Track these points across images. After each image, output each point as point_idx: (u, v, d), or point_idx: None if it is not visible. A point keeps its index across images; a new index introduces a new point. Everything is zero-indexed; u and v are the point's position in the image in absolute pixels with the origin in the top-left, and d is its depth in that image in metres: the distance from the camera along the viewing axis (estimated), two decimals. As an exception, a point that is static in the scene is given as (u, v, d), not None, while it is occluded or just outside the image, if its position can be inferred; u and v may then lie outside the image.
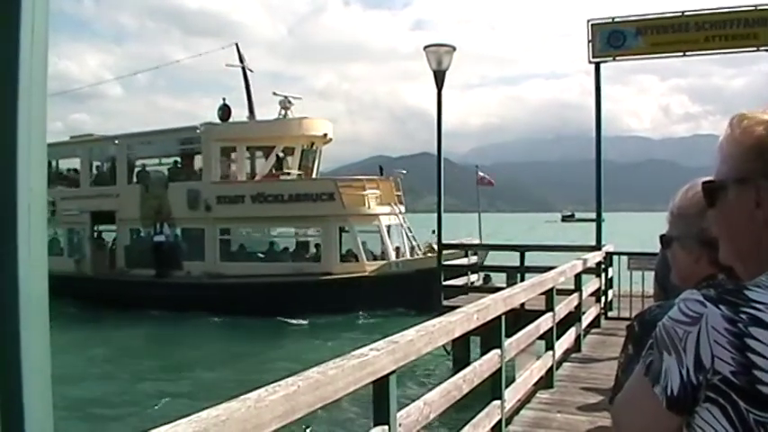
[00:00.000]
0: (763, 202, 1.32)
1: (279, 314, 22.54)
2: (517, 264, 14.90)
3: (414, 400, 4.35)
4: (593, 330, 12.04)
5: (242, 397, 2.52)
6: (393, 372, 3.72)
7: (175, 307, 22.90)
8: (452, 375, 5.17)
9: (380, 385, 3.67)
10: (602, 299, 13.03)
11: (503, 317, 6.09)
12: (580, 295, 10.71)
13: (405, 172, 29.53)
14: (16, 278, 1.27)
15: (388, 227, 25.69)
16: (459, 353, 13.20)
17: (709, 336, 1.22)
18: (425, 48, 14.80)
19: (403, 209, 26.59)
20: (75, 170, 31.59)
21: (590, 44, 14.44)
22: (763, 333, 1.19)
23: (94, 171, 31.32)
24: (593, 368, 9.43)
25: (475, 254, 18.92)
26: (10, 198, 1.26)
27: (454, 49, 14.84)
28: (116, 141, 29.43)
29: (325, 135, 28.57)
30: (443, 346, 4.67)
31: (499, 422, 6.11)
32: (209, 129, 27.08)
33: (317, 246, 26.11)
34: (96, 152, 31.11)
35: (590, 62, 14.63)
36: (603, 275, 13.15)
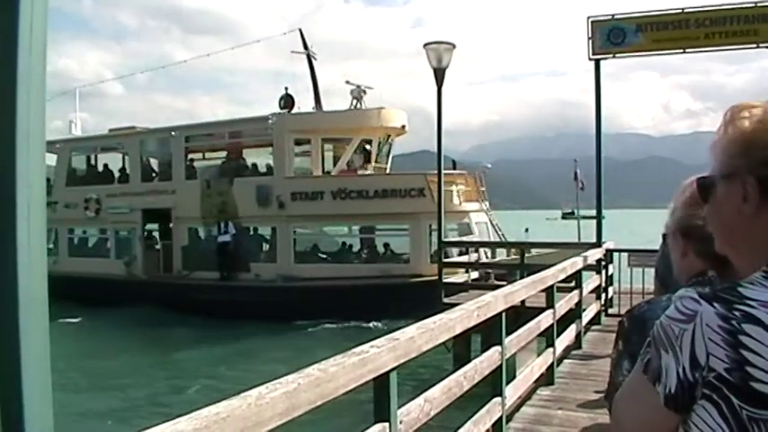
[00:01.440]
0: (749, 196, 1.33)
1: (364, 319, 20.12)
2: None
3: (414, 397, 4.35)
4: (594, 327, 12.04)
5: (242, 394, 2.52)
6: (394, 369, 3.72)
7: (244, 313, 21.04)
8: (453, 372, 5.17)
9: (381, 382, 3.67)
10: (603, 296, 13.04)
11: (503, 314, 6.10)
12: (580, 292, 10.72)
13: (489, 166, 27.60)
14: (15, 277, 1.27)
15: (477, 224, 23.49)
16: (460, 350, 13.21)
17: (704, 333, 1.22)
18: (425, 45, 14.82)
19: (487, 205, 24.64)
20: (123, 166, 29.01)
21: (590, 41, 14.44)
22: (757, 330, 1.19)
23: (145, 165, 28.77)
24: (593, 365, 9.42)
25: (476, 251, 18.81)
26: (9, 196, 1.26)
27: (454, 46, 14.87)
28: (173, 133, 26.71)
29: (403, 126, 26.23)
30: (444, 343, 4.66)
31: (500, 419, 6.12)
32: (282, 119, 24.68)
33: (400, 245, 23.51)
34: (148, 145, 28.70)
35: (590, 59, 14.62)
36: (604, 272, 13.17)
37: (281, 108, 25.44)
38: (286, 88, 25.92)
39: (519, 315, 7.55)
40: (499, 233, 23.71)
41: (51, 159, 29.08)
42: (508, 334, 6.44)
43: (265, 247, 25.05)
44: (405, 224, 23.04)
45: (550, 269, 8.95)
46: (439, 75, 14.80)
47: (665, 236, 2.16)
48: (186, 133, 26.81)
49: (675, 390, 1.25)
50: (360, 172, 25.41)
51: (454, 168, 24.87)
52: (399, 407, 3.91)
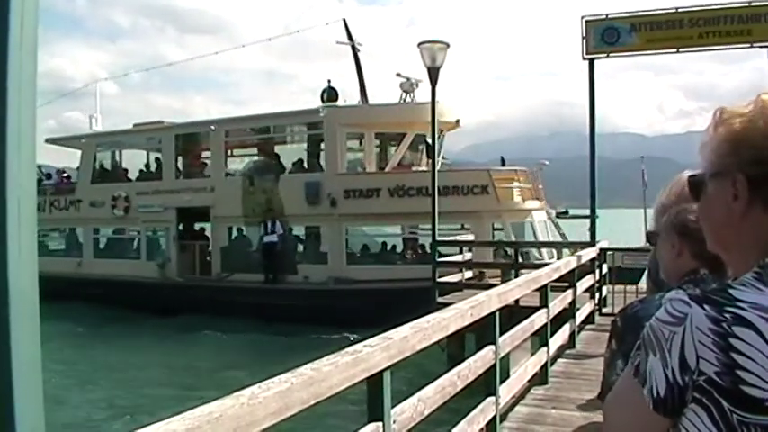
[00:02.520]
0: (739, 194, 1.33)
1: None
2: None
3: (408, 397, 4.34)
4: (588, 326, 12.06)
5: (235, 394, 2.51)
6: (387, 368, 3.71)
7: (293, 317, 19.55)
8: (447, 371, 5.17)
9: (374, 382, 3.67)
10: (597, 295, 13.08)
11: (497, 313, 6.10)
12: (574, 291, 10.73)
13: (547, 163, 26.04)
14: (6, 277, 1.26)
15: (538, 224, 22.22)
16: (454, 349, 13.21)
17: (694, 336, 1.21)
18: (419, 44, 14.82)
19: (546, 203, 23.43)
20: (157, 161, 27.30)
21: (584, 41, 14.48)
22: (747, 332, 1.19)
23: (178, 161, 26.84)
24: (587, 364, 9.44)
25: (470, 250, 18.65)
26: (-1, 195, 1.26)
27: (448, 45, 14.86)
28: (212, 128, 24.90)
29: (457, 121, 24.48)
30: (438, 342, 4.66)
31: (494, 418, 6.13)
32: (334, 112, 22.97)
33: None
34: (184, 141, 26.73)
35: (584, 59, 14.68)
36: (598, 271, 13.19)
37: (324, 102, 23.81)
38: (329, 81, 24.40)
39: (513, 314, 7.55)
40: (560, 232, 22.68)
41: (75, 156, 28.49)
42: (502, 333, 6.44)
43: (314, 247, 23.42)
44: (466, 223, 21.53)
45: (544, 268, 8.97)
46: (433, 74, 14.80)
47: (648, 236, 2.17)
48: (226, 127, 25.30)
49: (665, 393, 1.24)
50: (414, 169, 23.98)
51: (503, 165, 23.97)
52: (393, 406, 3.90)
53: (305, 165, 24.28)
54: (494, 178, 21.26)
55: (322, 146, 23.93)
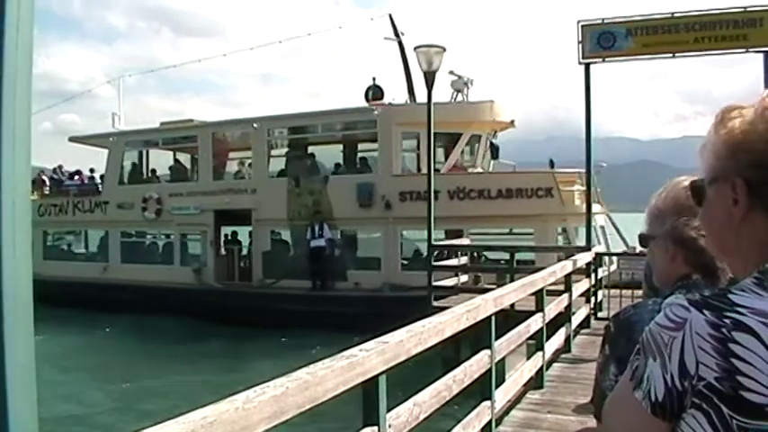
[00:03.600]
0: (739, 199, 1.32)
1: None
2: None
3: (404, 401, 4.34)
4: (583, 331, 12.07)
5: (230, 398, 2.51)
6: (383, 372, 3.71)
7: (345, 326, 17.14)
8: (442, 376, 5.17)
9: (370, 386, 3.66)
10: (592, 299, 13.08)
11: (493, 317, 6.10)
12: (570, 296, 10.74)
13: (605, 165, 24.85)
14: (0, 276, 1.26)
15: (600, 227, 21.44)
16: (449, 353, 13.19)
17: (694, 341, 1.21)
18: (416, 48, 14.84)
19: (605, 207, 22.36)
20: (194, 160, 26.33)
21: (580, 45, 14.49)
22: (747, 338, 1.18)
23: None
24: (582, 368, 9.44)
25: (465, 254, 18.61)
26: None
27: (444, 50, 14.86)
28: (254, 125, 23.57)
29: (512, 121, 23.52)
30: (433, 346, 4.64)
31: (489, 423, 6.12)
32: (388, 110, 21.78)
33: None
34: (224, 139, 25.76)
35: (580, 63, 14.69)
36: (593, 276, 13.20)
37: (369, 101, 22.70)
38: (374, 79, 23.29)
39: (509, 318, 7.55)
40: (621, 236, 21.40)
41: (102, 155, 27.01)
42: (498, 337, 6.44)
43: (366, 252, 22.08)
44: (529, 227, 20.64)
45: (540, 272, 8.96)
46: (429, 78, 14.82)
47: (641, 238, 2.16)
48: (270, 125, 24.05)
49: (663, 398, 1.24)
50: (471, 171, 22.78)
51: (552, 167, 22.62)
52: (388, 410, 3.90)
53: (356, 165, 23.44)
54: (558, 180, 20.44)
55: (373, 146, 22.93)
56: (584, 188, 19.47)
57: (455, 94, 22.82)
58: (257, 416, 2.53)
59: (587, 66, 14.70)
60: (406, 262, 21.61)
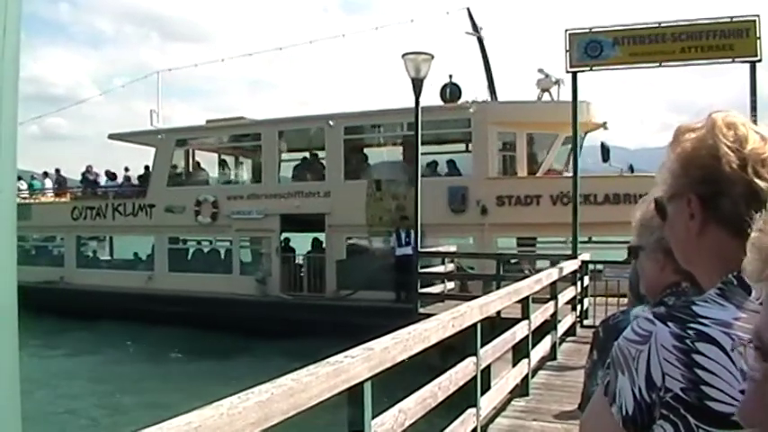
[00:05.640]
0: (695, 213, 1.37)
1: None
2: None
3: (389, 408, 4.33)
4: (569, 338, 12.09)
5: (215, 404, 2.49)
6: (368, 379, 3.70)
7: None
8: (428, 383, 5.16)
9: (355, 393, 3.65)
10: (578, 307, 13.12)
11: (479, 324, 6.10)
12: (556, 303, 10.77)
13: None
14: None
15: None
16: (435, 360, 13.16)
17: (659, 354, 1.23)
18: (404, 55, 14.85)
19: None
20: (257, 163, 24.65)
21: (567, 54, 14.56)
22: (710, 348, 1.20)
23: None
24: (568, 376, 9.45)
25: (452, 261, 18.50)
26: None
27: (432, 57, 14.89)
28: (330, 123, 21.82)
29: (605, 123, 21.77)
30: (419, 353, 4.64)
31: (474, 430, 6.12)
32: (484, 108, 20.59)
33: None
34: (292, 138, 23.92)
35: (567, 72, 14.77)
36: (579, 284, 13.24)
37: (446, 101, 21.13)
38: (450, 76, 21.56)
39: (494, 326, 7.56)
40: None
41: (149, 153, 25.33)
42: (483, 345, 6.44)
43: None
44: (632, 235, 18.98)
45: (525, 280, 8.98)
46: (417, 85, 14.83)
47: (630, 249, 2.18)
48: (347, 123, 22.18)
49: (633, 411, 1.26)
50: (565, 174, 20.64)
51: (631, 172, 20.88)
52: (373, 417, 3.89)
53: (446, 167, 21.74)
54: None
55: (467, 146, 21.90)
56: None
57: (541, 93, 21.62)
58: (242, 422, 2.52)
59: (574, 74, 14.78)
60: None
